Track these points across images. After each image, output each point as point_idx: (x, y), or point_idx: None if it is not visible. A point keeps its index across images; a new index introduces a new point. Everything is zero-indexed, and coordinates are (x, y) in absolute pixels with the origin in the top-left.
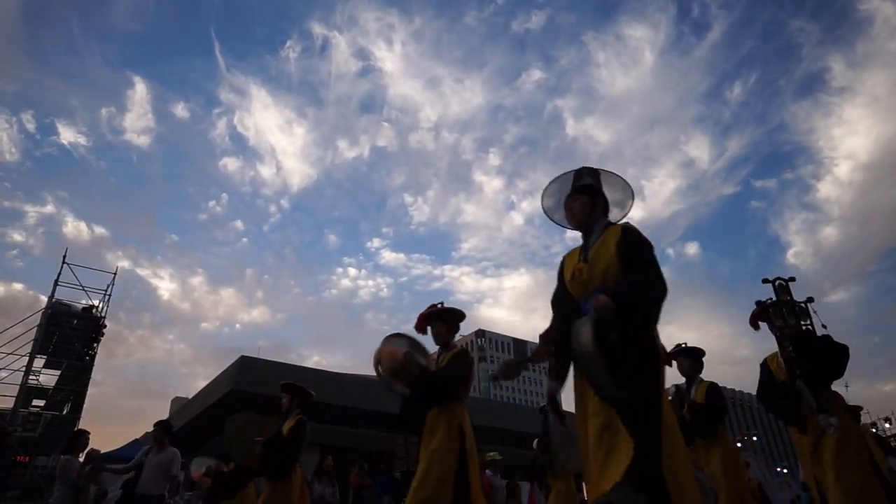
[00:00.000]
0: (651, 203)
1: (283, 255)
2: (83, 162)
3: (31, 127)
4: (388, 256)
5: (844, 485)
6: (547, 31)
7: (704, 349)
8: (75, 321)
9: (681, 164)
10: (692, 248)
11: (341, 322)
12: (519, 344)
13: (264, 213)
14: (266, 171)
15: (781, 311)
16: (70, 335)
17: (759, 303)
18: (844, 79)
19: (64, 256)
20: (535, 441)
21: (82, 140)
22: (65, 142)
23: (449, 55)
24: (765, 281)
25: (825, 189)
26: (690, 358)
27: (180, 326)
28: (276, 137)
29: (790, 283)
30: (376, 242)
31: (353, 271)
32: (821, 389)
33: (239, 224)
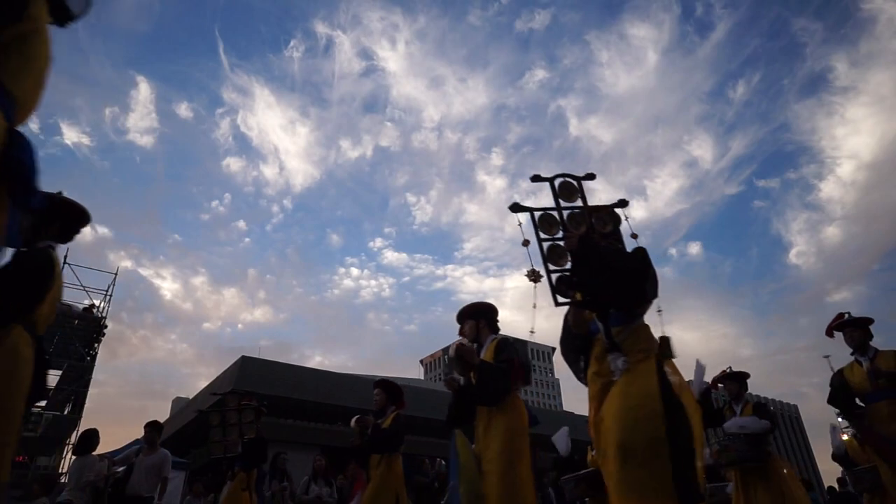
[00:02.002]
0: (654, 203)
1: (286, 254)
2: (86, 162)
3: (34, 126)
4: (391, 256)
5: (621, 437)
6: (551, 31)
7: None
8: (76, 321)
9: (684, 164)
10: (695, 248)
11: (343, 322)
12: (520, 344)
13: (267, 212)
14: (269, 171)
15: (560, 216)
16: (71, 335)
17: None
18: (848, 78)
19: (65, 257)
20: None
21: (86, 140)
22: (68, 142)
23: (453, 55)
24: (534, 178)
25: (828, 189)
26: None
27: (182, 326)
28: (279, 137)
29: (585, 181)
30: (379, 242)
31: (355, 271)
32: (613, 320)
33: (242, 224)
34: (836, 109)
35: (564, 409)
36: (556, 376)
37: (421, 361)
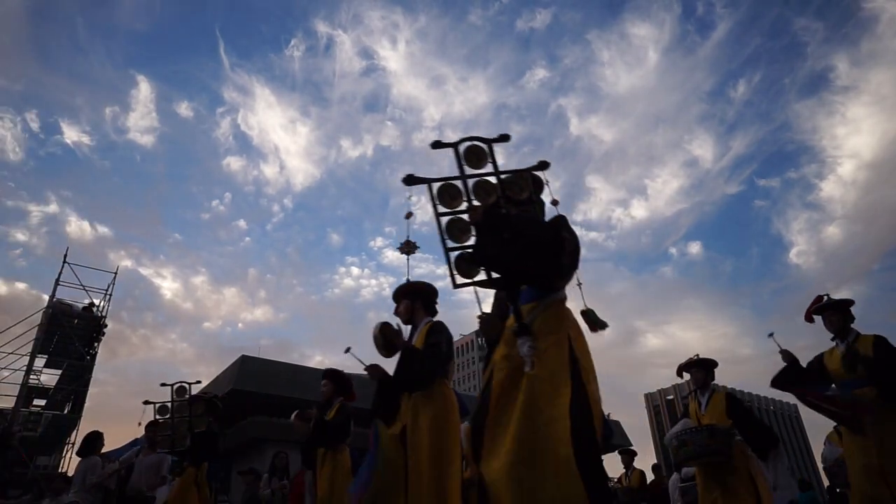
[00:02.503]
0: (654, 202)
1: (286, 254)
2: (87, 161)
3: (35, 126)
4: (391, 256)
5: (518, 436)
6: (552, 30)
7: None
8: (76, 321)
9: (684, 163)
10: (695, 248)
11: (344, 321)
12: None
13: (267, 212)
14: (269, 171)
15: (465, 186)
16: (71, 335)
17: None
18: (849, 77)
19: (65, 256)
20: None
21: (86, 139)
22: (69, 141)
23: (453, 54)
24: (435, 144)
25: (828, 188)
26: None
27: (183, 326)
28: (280, 136)
29: (497, 143)
30: (379, 242)
31: (355, 270)
32: (525, 296)
33: (242, 223)
34: (837, 109)
35: None
36: None
37: None
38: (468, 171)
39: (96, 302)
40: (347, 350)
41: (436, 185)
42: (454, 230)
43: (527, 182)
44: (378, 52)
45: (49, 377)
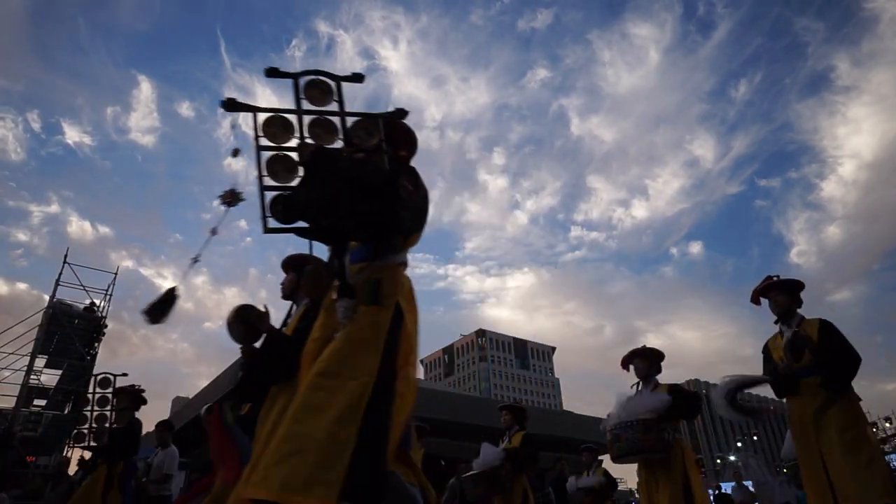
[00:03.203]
0: (655, 202)
1: (287, 254)
2: (88, 161)
3: (36, 126)
4: None
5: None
6: (553, 30)
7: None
8: (76, 321)
9: (685, 163)
10: (696, 248)
11: None
12: (519, 343)
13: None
14: None
15: (300, 122)
16: (71, 335)
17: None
18: (850, 77)
19: (65, 256)
20: None
21: (87, 139)
22: (70, 141)
23: (455, 54)
24: (270, 72)
25: (829, 188)
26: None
27: (183, 326)
28: None
29: (349, 82)
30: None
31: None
32: (356, 255)
33: (243, 223)
34: (838, 109)
35: (564, 408)
36: (556, 376)
37: (421, 361)
38: (309, 108)
39: (97, 302)
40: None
41: (262, 116)
42: (277, 167)
43: (377, 127)
44: (379, 52)
45: (49, 377)
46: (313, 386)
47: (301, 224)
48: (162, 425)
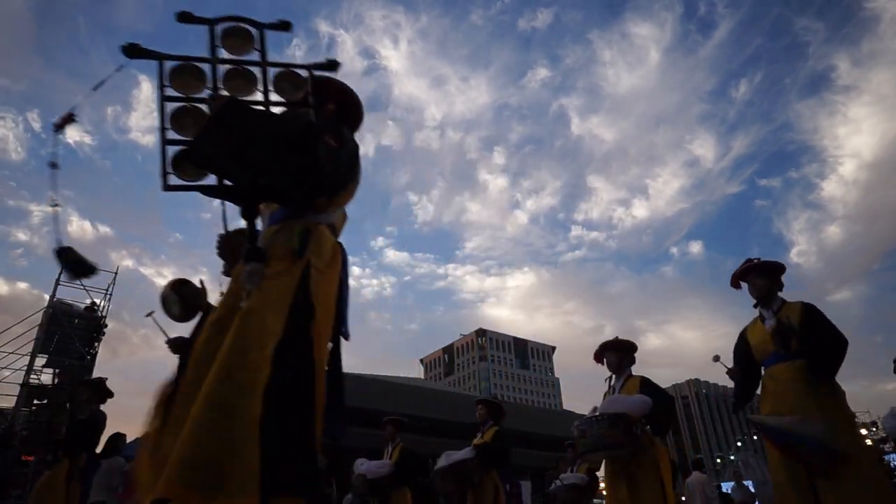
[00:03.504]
0: (655, 202)
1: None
2: (88, 161)
3: (36, 126)
4: (392, 255)
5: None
6: (553, 30)
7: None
8: (76, 320)
9: (685, 163)
10: (696, 247)
11: None
12: (519, 343)
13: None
14: None
15: (213, 70)
16: (71, 334)
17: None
18: (850, 77)
19: None
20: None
21: (87, 139)
22: (70, 140)
23: (455, 53)
24: (182, 17)
25: (829, 188)
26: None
27: (184, 326)
28: None
29: (273, 30)
30: (380, 241)
31: (356, 270)
32: (274, 217)
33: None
34: (838, 109)
35: (564, 407)
36: (556, 375)
37: (421, 360)
38: (227, 57)
39: (97, 302)
40: (150, 314)
41: (170, 63)
42: (185, 120)
43: (302, 79)
44: (380, 51)
45: (49, 377)
46: (215, 379)
47: (206, 182)
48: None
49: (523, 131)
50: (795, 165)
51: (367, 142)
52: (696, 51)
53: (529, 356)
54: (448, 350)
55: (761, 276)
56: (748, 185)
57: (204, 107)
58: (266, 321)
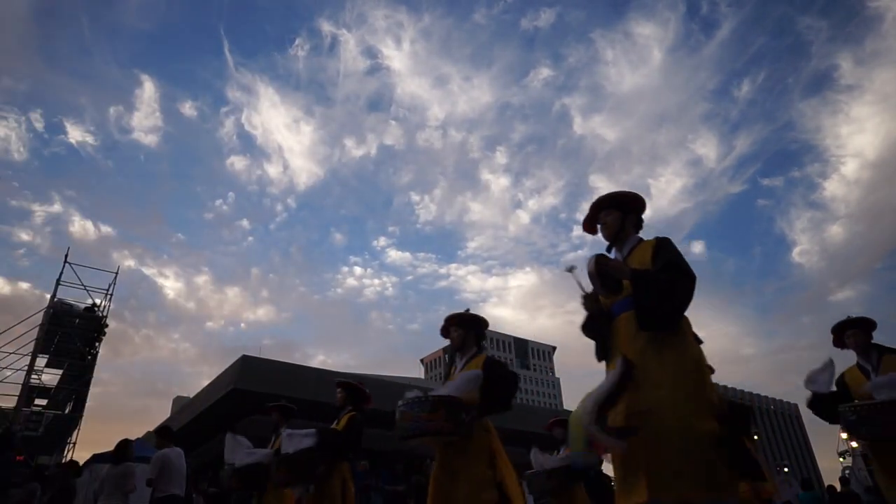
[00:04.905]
0: (657, 201)
1: (289, 253)
2: (90, 161)
3: (39, 126)
4: (394, 255)
5: None
6: (556, 29)
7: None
8: (77, 320)
9: (688, 163)
10: (698, 247)
11: (346, 321)
12: (520, 343)
13: (271, 211)
14: (273, 170)
15: None
16: (72, 334)
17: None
18: (853, 76)
19: (66, 256)
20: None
21: (90, 139)
22: (72, 141)
23: (457, 53)
24: None
25: (832, 187)
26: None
27: (185, 325)
28: (284, 136)
29: None
30: (382, 241)
31: (358, 270)
32: None
33: (245, 223)
34: (841, 108)
35: (565, 407)
36: (557, 375)
37: (422, 361)
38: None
39: (98, 302)
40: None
41: None
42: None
43: None
44: (382, 51)
45: (50, 377)
46: None
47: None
48: (160, 432)
49: (526, 131)
50: (798, 165)
51: (369, 141)
52: (698, 50)
53: (530, 356)
54: (449, 350)
55: (612, 212)
56: (750, 184)
57: None
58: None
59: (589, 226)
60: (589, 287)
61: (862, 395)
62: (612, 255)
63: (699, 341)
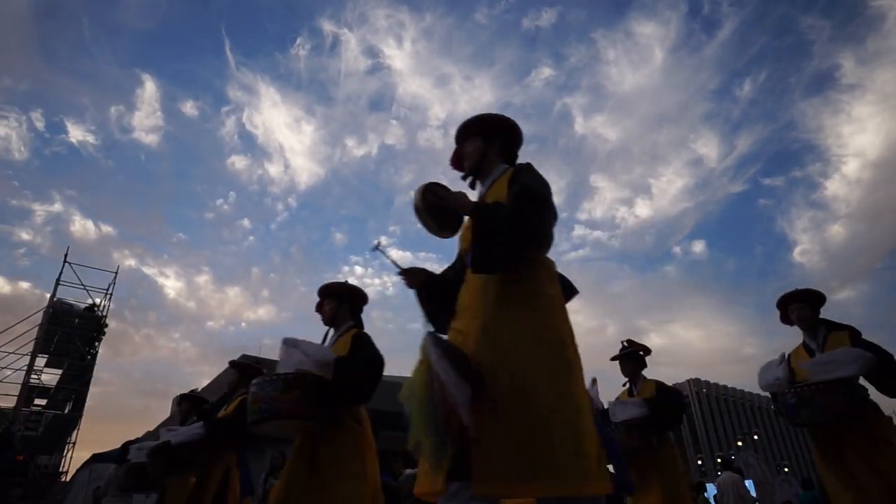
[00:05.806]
0: (658, 201)
1: (290, 253)
2: (91, 160)
3: (40, 125)
4: (395, 255)
5: None
6: (557, 29)
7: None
8: (76, 320)
9: (689, 162)
10: (699, 247)
11: None
12: None
13: (271, 211)
14: (274, 170)
15: None
16: (71, 334)
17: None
18: (854, 76)
19: (65, 255)
20: None
21: (91, 138)
22: (73, 140)
23: (459, 53)
24: None
25: (833, 187)
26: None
27: (186, 325)
28: (285, 135)
29: None
30: (383, 241)
31: (359, 269)
32: None
33: (246, 222)
34: (843, 107)
35: None
36: None
37: None
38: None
39: (98, 301)
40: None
41: None
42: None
43: None
44: (384, 50)
45: (50, 377)
46: None
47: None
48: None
49: (527, 130)
50: (799, 165)
51: (370, 141)
52: (700, 50)
53: None
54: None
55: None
56: (752, 184)
57: None
58: None
59: (456, 161)
60: (402, 263)
61: (805, 378)
62: (477, 191)
63: (573, 291)
